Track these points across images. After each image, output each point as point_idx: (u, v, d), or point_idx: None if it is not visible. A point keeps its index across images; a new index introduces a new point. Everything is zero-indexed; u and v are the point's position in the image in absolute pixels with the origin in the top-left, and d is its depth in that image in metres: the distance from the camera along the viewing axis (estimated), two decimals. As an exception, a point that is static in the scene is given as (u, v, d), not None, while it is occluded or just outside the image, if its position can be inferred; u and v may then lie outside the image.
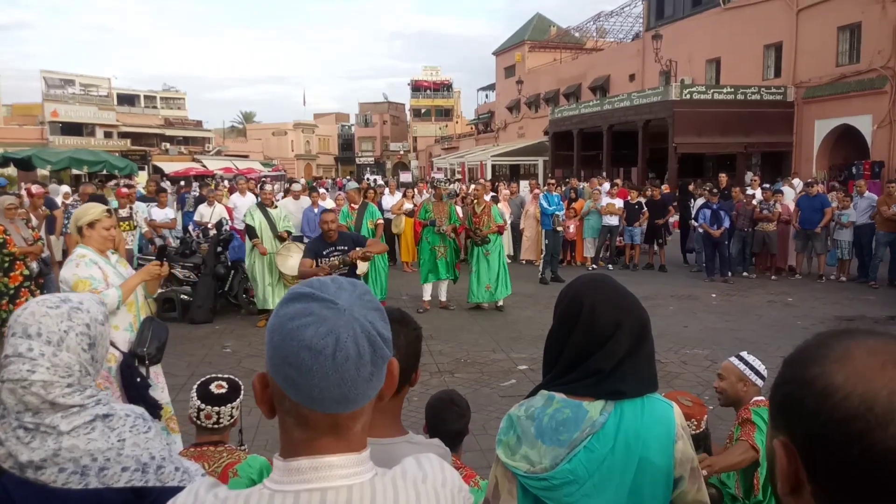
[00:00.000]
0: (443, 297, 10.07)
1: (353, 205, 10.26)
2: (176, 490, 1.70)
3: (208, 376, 2.72)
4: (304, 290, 0.96)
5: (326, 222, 6.77)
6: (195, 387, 2.65)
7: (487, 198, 10.92)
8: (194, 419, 2.60)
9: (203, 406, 2.56)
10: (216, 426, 2.56)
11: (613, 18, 37.87)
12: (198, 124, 60.16)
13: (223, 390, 2.62)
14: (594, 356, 1.66)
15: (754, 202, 12.31)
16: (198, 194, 15.26)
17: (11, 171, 24.09)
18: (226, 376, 2.72)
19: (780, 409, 0.81)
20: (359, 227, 9.81)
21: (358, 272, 8.37)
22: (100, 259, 3.81)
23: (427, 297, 9.95)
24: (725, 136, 22.55)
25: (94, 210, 3.85)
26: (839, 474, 0.73)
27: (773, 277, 12.23)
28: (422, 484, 1.03)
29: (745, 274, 12.47)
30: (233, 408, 2.61)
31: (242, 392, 2.70)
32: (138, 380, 3.32)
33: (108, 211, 3.90)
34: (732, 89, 23.30)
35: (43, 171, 25.32)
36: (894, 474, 0.70)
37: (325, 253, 6.75)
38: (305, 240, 10.52)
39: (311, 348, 0.90)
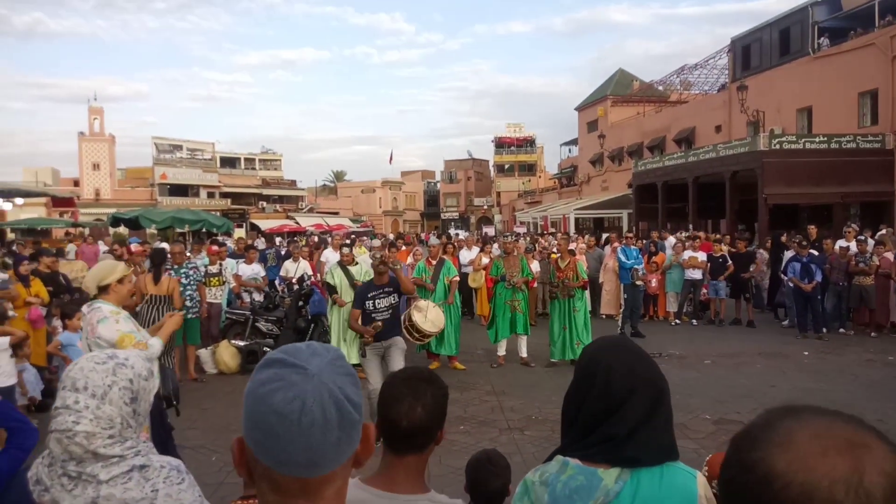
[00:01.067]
0: (523, 354, 9.88)
1: (431, 260, 10.40)
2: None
3: None
4: (277, 356, 0.99)
5: (380, 271, 6.98)
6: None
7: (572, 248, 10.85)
8: None
9: None
10: None
11: (698, 71, 37.41)
12: (292, 184, 63.10)
13: None
14: (609, 421, 1.62)
15: (849, 254, 11.67)
16: (285, 251, 15.93)
17: (122, 229, 25.99)
18: None
19: (725, 494, 0.79)
20: (435, 282, 9.94)
21: (422, 325, 8.36)
22: (123, 313, 4.05)
23: (502, 352, 9.89)
24: (820, 186, 21.60)
25: (121, 267, 4.10)
26: None
27: (872, 334, 11.46)
28: None
29: (841, 330, 11.76)
30: None
31: None
32: (168, 420, 3.48)
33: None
34: (826, 138, 22.41)
35: (150, 230, 27.17)
36: None
37: (370, 296, 6.89)
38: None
39: (278, 413, 0.92)
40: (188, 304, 8.97)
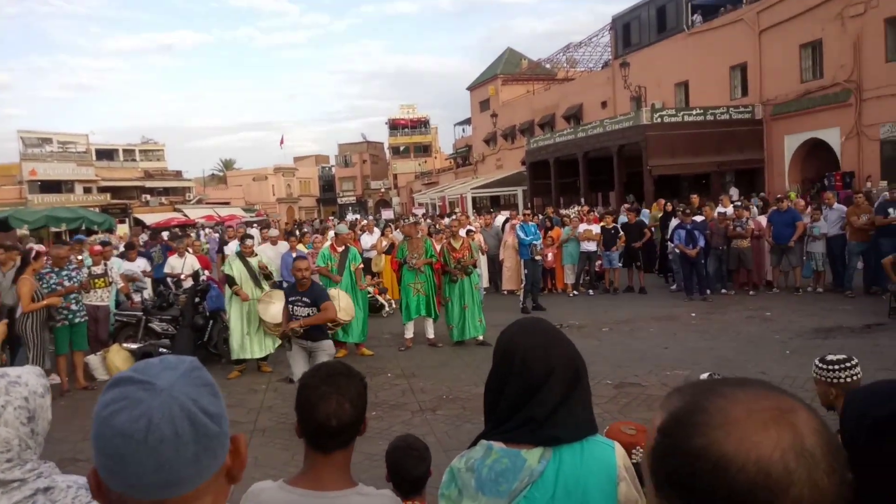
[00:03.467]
0: (430, 335, 9.95)
1: (336, 246, 10.20)
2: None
3: None
4: (124, 375, 0.94)
5: (300, 269, 6.78)
6: None
7: (463, 232, 10.92)
8: None
9: None
10: None
11: (582, 49, 38.67)
12: (177, 174, 60.18)
13: None
14: (529, 403, 1.65)
15: (727, 219, 12.49)
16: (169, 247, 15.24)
17: (-10, 232, 23.98)
18: None
19: (670, 483, 0.77)
20: (341, 270, 9.79)
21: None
22: None
23: (409, 334, 9.92)
24: (698, 156, 22.93)
25: None
26: None
27: (751, 293, 12.35)
28: None
29: (723, 291, 12.59)
30: None
31: None
32: None
33: None
34: (702, 111, 23.78)
35: (22, 231, 25.21)
36: None
37: (290, 300, 6.78)
38: (285, 285, 10.51)
39: (122, 434, 0.86)
40: (74, 307, 8.43)
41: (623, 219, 14.67)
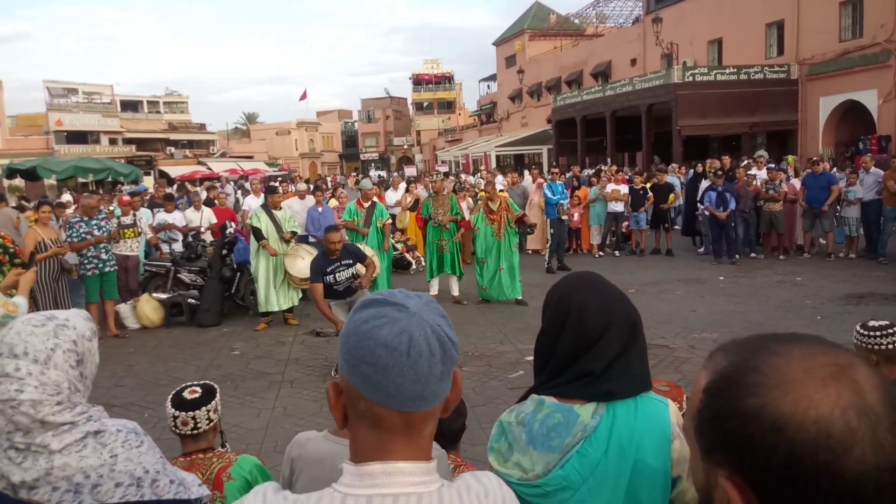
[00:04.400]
0: (455, 293, 9.93)
1: (362, 202, 10.17)
2: (172, 503, 1.71)
3: (182, 385, 2.71)
4: (375, 297, 1.02)
5: (333, 242, 6.77)
6: (169, 397, 2.63)
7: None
8: (173, 429, 2.58)
9: (177, 413, 2.54)
10: (195, 432, 2.54)
11: (613, 3, 37.68)
12: (201, 127, 60.28)
13: (197, 395, 2.59)
14: (584, 358, 1.62)
15: (755, 182, 12.24)
16: (205, 198, 15.33)
17: (18, 181, 24.25)
18: (200, 382, 2.72)
19: (722, 446, 0.74)
20: (368, 226, 9.79)
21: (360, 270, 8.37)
22: None
23: (434, 291, 9.92)
24: (730, 116, 22.41)
25: None
26: None
27: (781, 257, 12.16)
28: (484, 498, 1.05)
29: (752, 255, 12.40)
30: (209, 411, 2.57)
31: (218, 394, 2.68)
32: None
33: None
34: (735, 69, 23.14)
35: (50, 181, 25.47)
36: (865, 501, 0.67)
37: (329, 270, 6.77)
38: (311, 239, 10.55)
39: (387, 345, 0.95)
40: (104, 256, 8.53)
41: (673, 178, 14.44)
